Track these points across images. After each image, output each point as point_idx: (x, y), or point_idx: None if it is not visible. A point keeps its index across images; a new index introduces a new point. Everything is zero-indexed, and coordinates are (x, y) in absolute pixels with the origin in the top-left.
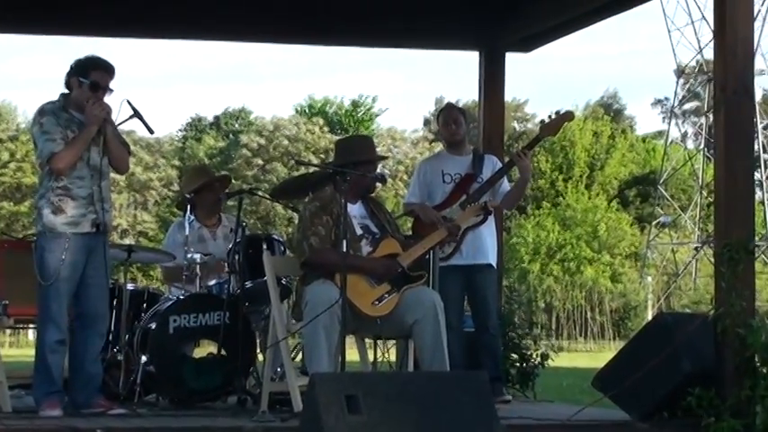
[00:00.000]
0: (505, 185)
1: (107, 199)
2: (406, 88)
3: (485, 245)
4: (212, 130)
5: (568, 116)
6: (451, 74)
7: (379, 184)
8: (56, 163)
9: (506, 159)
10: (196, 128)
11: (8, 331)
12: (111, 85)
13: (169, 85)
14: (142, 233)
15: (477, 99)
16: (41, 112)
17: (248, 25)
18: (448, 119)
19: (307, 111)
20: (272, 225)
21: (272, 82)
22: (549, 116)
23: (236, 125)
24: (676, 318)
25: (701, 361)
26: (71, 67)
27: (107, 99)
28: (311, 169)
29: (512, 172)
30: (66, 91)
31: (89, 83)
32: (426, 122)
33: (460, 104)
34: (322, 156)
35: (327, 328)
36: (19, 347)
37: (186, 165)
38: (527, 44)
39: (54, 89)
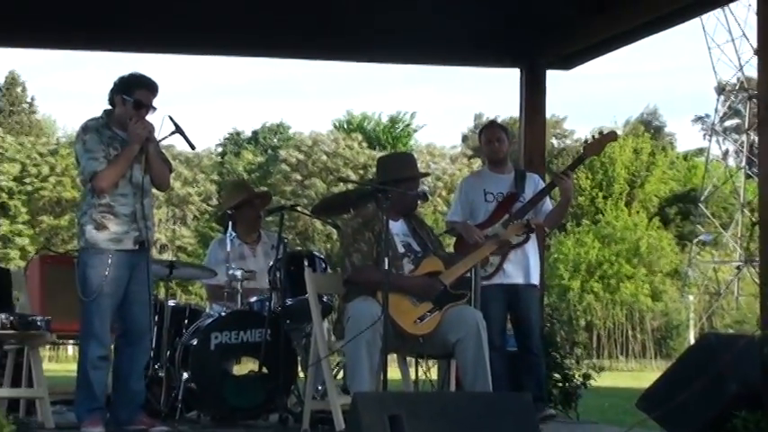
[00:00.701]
0: (547, 205)
1: (149, 216)
2: (444, 104)
3: (528, 264)
4: (251, 145)
5: (611, 136)
6: (490, 90)
7: (420, 202)
8: (98, 182)
9: (548, 178)
10: (234, 142)
11: (49, 346)
12: (154, 102)
13: (206, 101)
14: (181, 248)
15: (515, 115)
16: (85, 129)
17: (287, 41)
18: (491, 137)
19: (345, 126)
20: (310, 241)
21: (311, 97)
22: (593, 136)
23: (275, 140)
24: (721, 338)
25: (747, 382)
26: (115, 84)
27: (149, 117)
28: (352, 186)
29: (554, 191)
30: (110, 107)
31: (133, 101)
32: (465, 138)
33: (499, 120)
34: (361, 171)
35: (370, 346)
36: (59, 362)
37: (225, 180)
38: (568, 62)
39: (93, 103)
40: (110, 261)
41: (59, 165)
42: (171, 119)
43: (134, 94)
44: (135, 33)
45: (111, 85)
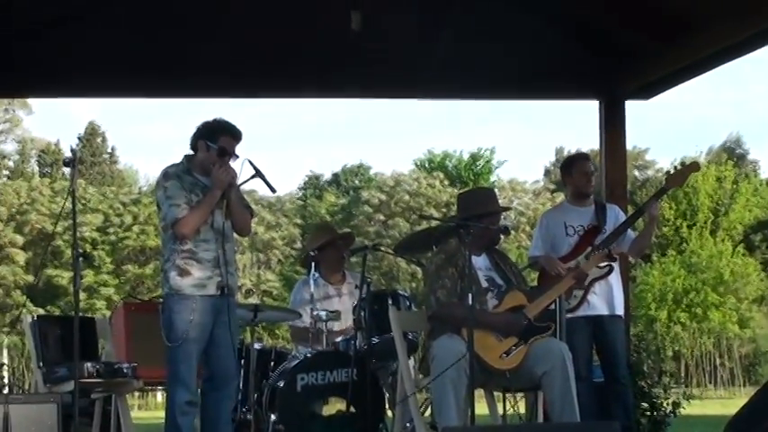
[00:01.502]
0: (630, 234)
1: (231, 262)
2: (525, 140)
3: (612, 295)
4: (332, 188)
5: (694, 167)
6: (570, 123)
7: (503, 236)
8: (180, 228)
9: (630, 210)
10: (314, 185)
11: (137, 393)
12: (237, 149)
13: (284, 145)
14: (266, 292)
15: (596, 148)
16: (165, 175)
17: (365, 82)
18: (586, 169)
19: (426, 165)
20: (395, 280)
21: (390, 138)
22: (675, 167)
23: (356, 181)
24: None
25: None
26: (198, 130)
27: (231, 164)
28: (434, 223)
29: (636, 223)
30: (191, 152)
31: (217, 148)
32: (547, 173)
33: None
34: (443, 210)
35: (455, 383)
36: (148, 410)
37: (308, 223)
38: (647, 92)
39: (172, 153)
40: (194, 306)
41: (142, 214)
42: (251, 162)
43: (218, 140)
44: (209, 78)
45: (195, 131)
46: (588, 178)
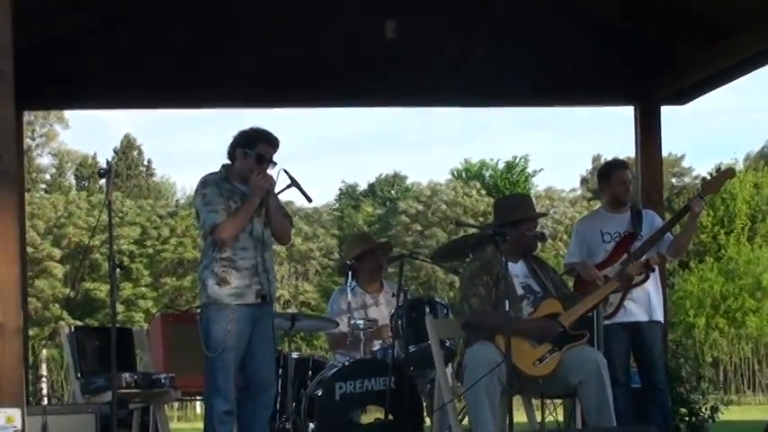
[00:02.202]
0: (668, 237)
1: (270, 270)
2: (561, 148)
3: (650, 301)
4: (367, 198)
5: (729, 173)
6: (606, 131)
7: (540, 243)
8: (218, 234)
9: (666, 216)
10: (350, 196)
11: (176, 405)
12: (274, 157)
13: (319, 156)
14: (304, 303)
15: (632, 156)
16: (204, 183)
17: (400, 90)
18: (624, 177)
19: (463, 175)
20: (433, 290)
21: (425, 147)
22: (710, 174)
23: (392, 192)
24: None
25: None
26: (235, 138)
27: (269, 171)
28: (471, 230)
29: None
30: (228, 162)
31: (255, 155)
32: (584, 181)
33: None
34: (480, 219)
35: (489, 390)
36: (188, 421)
37: (345, 233)
38: (682, 97)
39: (208, 165)
40: (232, 316)
41: (179, 226)
42: (286, 172)
43: (256, 147)
44: (242, 89)
45: (231, 140)
46: (626, 186)
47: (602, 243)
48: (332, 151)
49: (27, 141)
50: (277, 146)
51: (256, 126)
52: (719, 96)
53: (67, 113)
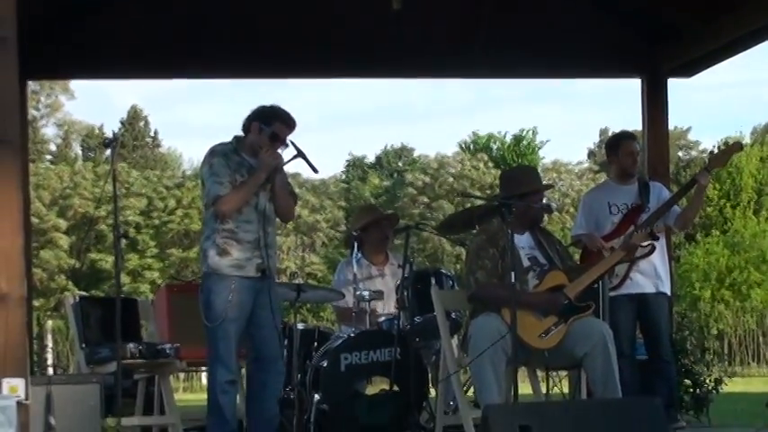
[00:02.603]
0: (676, 209)
1: (272, 244)
2: (568, 120)
3: (656, 272)
4: (374, 170)
5: (736, 147)
6: (613, 104)
7: (546, 215)
8: (221, 206)
9: (673, 188)
10: (357, 167)
11: (182, 376)
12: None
13: (327, 128)
14: (311, 275)
15: (639, 129)
16: (212, 152)
17: (407, 61)
18: (632, 149)
19: (471, 147)
20: (440, 262)
21: (433, 119)
22: (718, 147)
23: (400, 164)
24: None
25: None
26: (254, 112)
27: (280, 152)
28: (477, 202)
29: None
30: (241, 134)
31: (270, 132)
32: (591, 154)
33: None
34: (488, 191)
35: (494, 361)
36: (193, 392)
37: (352, 205)
38: (689, 69)
39: (215, 136)
40: (233, 286)
41: (186, 197)
42: (293, 143)
43: (272, 125)
44: (250, 59)
45: (249, 113)
46: (634, 158)
47: (609, 215)
48: (339, 123)
49: (32, 112)
50: (293, 128)
51: (277, 105)
52: (726, 69)
53: (73, 84)
